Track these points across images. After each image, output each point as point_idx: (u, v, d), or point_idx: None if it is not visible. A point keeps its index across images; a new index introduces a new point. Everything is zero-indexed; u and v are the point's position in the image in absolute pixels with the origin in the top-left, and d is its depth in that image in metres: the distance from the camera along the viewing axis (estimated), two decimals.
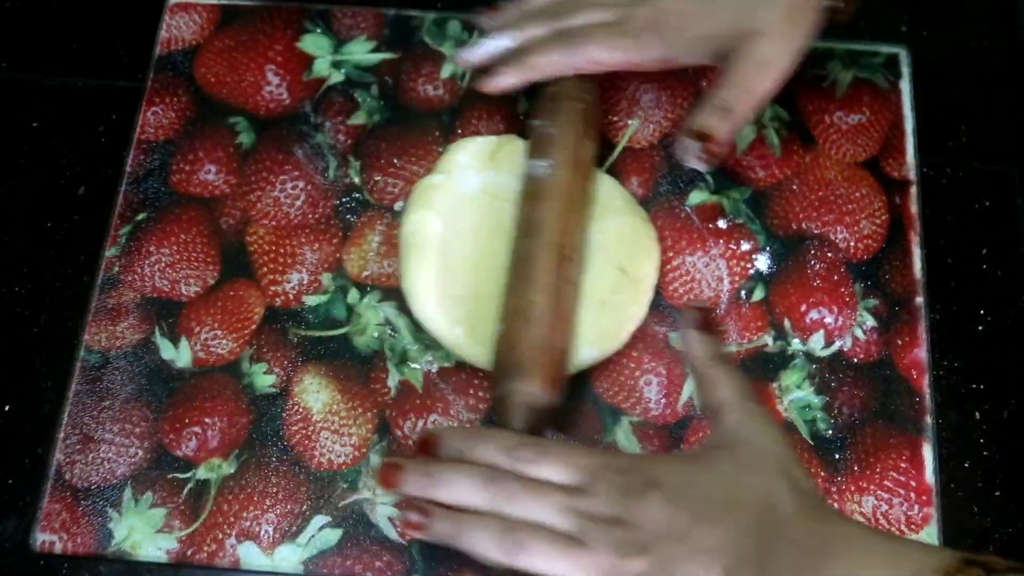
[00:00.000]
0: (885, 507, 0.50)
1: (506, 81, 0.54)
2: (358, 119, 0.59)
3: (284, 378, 0.53)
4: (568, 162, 0.52)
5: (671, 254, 0.55)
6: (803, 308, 0.54)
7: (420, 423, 0.52)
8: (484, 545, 0.42)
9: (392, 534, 0.50)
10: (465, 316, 0.52)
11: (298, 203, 0.57)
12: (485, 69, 0.56)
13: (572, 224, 0.51)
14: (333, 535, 0.50)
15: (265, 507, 0.50)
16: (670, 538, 0.40)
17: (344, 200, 0.57)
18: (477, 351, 0.51)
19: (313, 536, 0.50)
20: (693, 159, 0.50)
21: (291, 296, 0.55)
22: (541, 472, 0.43)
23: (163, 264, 0.55)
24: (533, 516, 0.42)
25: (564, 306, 0.50)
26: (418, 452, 0.46)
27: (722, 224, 0.56)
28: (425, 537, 0.44)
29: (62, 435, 0.52)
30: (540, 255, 0.50)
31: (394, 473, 0.45)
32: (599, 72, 0.54)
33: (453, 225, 0.53)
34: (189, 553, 0.49)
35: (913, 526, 0.50)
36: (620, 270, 0.53)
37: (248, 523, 0.50)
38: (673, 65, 0.53)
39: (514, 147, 0.56)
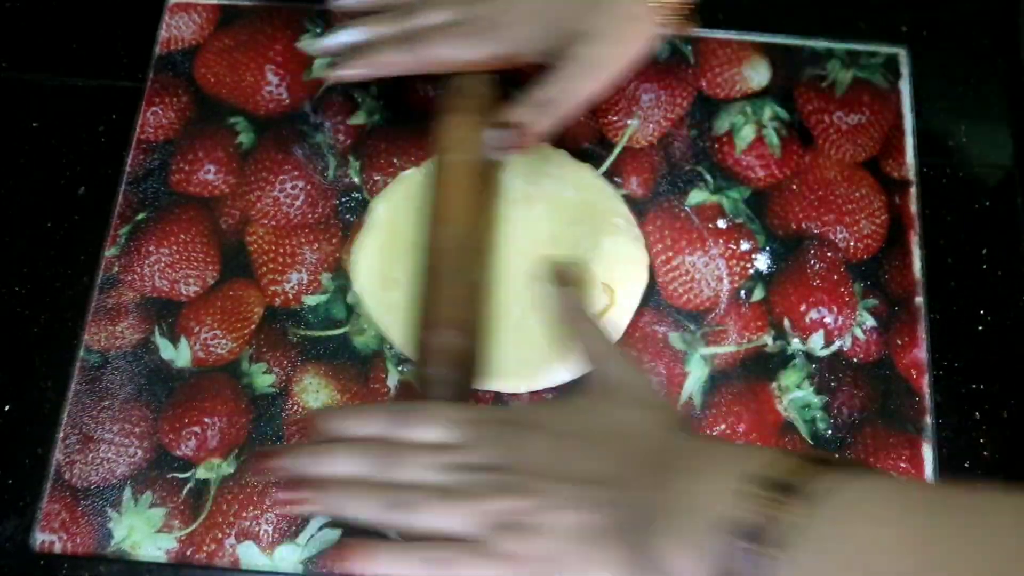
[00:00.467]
0: None
1: (349, 73, 0.55)
2: (358, 119, 0.59)
3: (284, 378, 0.53)
4: (457, 155, 0.53)
5: (671, 254, 0.55)
6: (803, 308, 0.54)
7: None
8: (369, 510, 0.42)
9: (392, 534, 0.50)
10: (398, 301, 0.52)
11: (298, 203, 0.57)
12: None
13: (467, 205, 0.52)
14: (333, 535, 0.50)
15: (265, 507, 0.50)
16: (551, 475, 0.40)
17: (344, 200, 0.57)
18: (402, 335, 0.52)
19: (313, 536, 0.50)
20: (498, 149, 0.51)
21: (291, 296, 0.55)
22: (416, 434, 0.43)
23: (163, 264, 0.55)
24: (415, 477, 0.42)
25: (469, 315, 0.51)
26: (297, 438, 0.46)
27: (722, 224, 0.56)
28: (311, 511, 0.43)
29: (62, 435, 0.52)
30: (439, 235, 0.51)
31: (270, 458, 0.44)
32: (452, 70, 0.54)
33: (408, 213, 0.54)
34: (189, 553, 0.49)
35: None
36: (605, 288, 0.53)
37: (247, 523, 0.50)
38: (509, 63, 0.54)
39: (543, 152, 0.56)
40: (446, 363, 0.48)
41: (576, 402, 0.45)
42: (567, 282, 0.49)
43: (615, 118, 0.58)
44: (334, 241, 0.56)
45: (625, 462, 0.40)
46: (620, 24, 0.51)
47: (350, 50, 0.55)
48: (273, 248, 0.56)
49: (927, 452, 0.51)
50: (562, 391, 0.52)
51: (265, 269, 0.55)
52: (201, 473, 0.51)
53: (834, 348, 0.53)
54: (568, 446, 0.41)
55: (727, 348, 0.53)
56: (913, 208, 0.56)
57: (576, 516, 0.39)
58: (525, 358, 0.52)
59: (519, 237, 0.54)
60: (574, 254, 0.53)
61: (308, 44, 0.60)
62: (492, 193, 0.54)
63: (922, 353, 0.53)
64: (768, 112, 0.58)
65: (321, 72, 0.59)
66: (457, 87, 0.54)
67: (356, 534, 0.49)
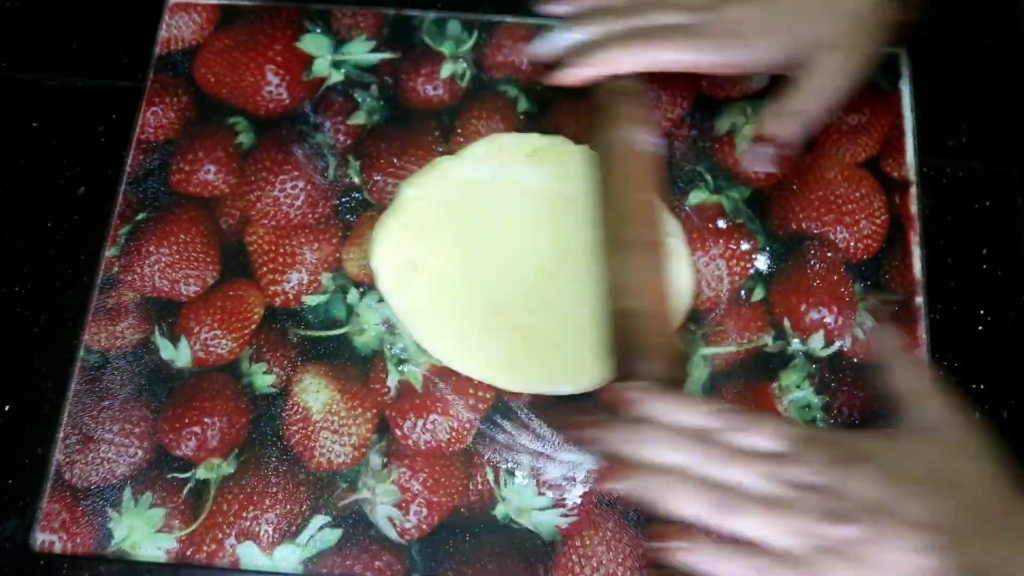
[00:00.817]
0: None
1: (582, 73, 0.54)
2: (358, 119, 0.59)
3: (284, 378, 0.53)
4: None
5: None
6: (803, 308, 0.54)
7: (420, 423, 0.52)
8: (691, 505, 0.41)
9: (392, 534, 0.50)
10: (411, 281, 0.53)
11: (298, 203, 0.57)
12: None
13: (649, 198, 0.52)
14: (332, 535, 0.50)
15: (264, 507, 0.50)
16: (878, 510, 0.40)
17: (344, 200, 0.57)
18: (414, 317, 0.53)
19: (313, 536, 0.50)
20: (766, 164, 0.54)
21: (291, 296, 0.55)
22: (746, 439, 0.42)
23: (163, 264, 0.55)
24: (738, 480, 0.41)
25: (663, 279, 0.51)
26: (610, 407, 0.45)
27: (722, 224, 0.56)
28: (630, 492, 0.42)
29: (62, 435, 0.52)
30: (632, 230, 0.51)
31: (597, 428, 0.44)
32: (657, 71, 0.54)
33: (437, 199, 0.55)
34: (189, 553, 0.49)
35: None
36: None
37: (248, 523, 0.50)
38: (743, 71, 0.54)
39: (563, 149, 0.56)
40: (661, 359, 0.47)
41: (904, 440, 0.44)
42: (882, 318, 0.50)
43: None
44: (334, 241, 0.56)
45: (959, 513, 0.40)
46: (855, 31, 0.51)
47: (575, 50, 0.54)
48: (273, 248, 0.56)
49: None
50: (569, 400, 0.52)
51: (265, 269, 0.55)
52: (201, 473, 0.51)
53: (834, 348, 0.53)
54: (899, 485, 0.40)
55: (727, 348, 0.53)
56: (913, 208, 0.56)
57: (906, 557, 0.39)
58: (572, 359, 0.52)
59: (569, 239, 0.54)
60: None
61: (536, 47, 0.56)
62: (660, 184, 0.54)
63: (922, 353, 0.53)
64: None
65: (549, 77, 0.55)
66: (616, 89, 0.54)
67: (356, 534, 0.49)
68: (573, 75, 0.54)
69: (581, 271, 0.53)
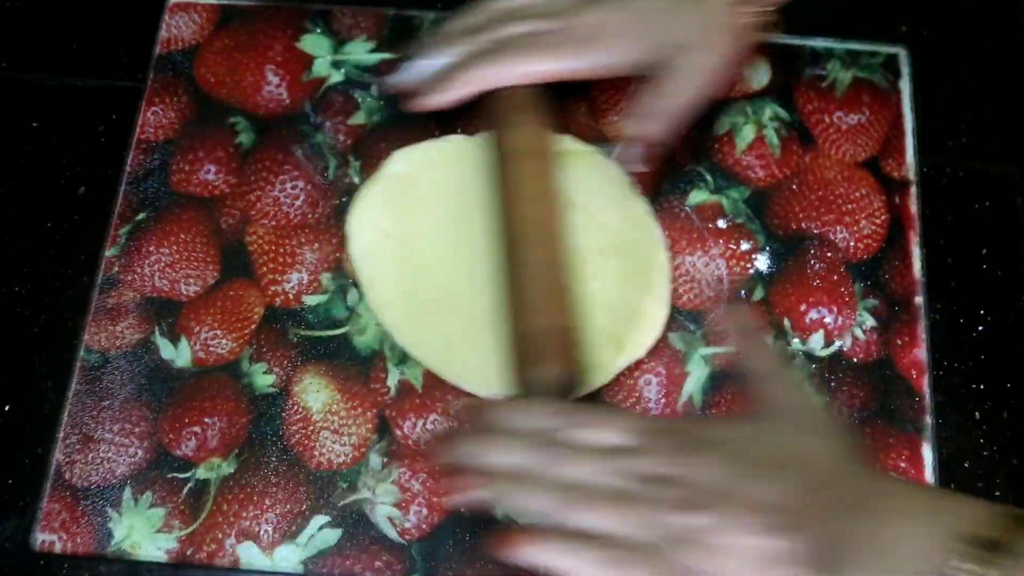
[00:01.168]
0: None
1: (440, 98, 0.54)
2: (358, 119, 0.59)
3: (284, 378, 0.53)
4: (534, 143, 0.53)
5: (671, 254, 0.55)
6: (803, 308, 0.54)
7: (420, 423, 0.52)
8: (537, 503, 0.41)
9: (392, 533, 0.50)
10: (385, 255, 0.54)
11: (298, 203, 0.57)
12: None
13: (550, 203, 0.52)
14: (333, 535, 0.50)
15: (265, 507, 0.50)
16: (727, 495, 0.40)
17: (344, 200, 0.57)
18: (381, 288, 0.54)
19: (312, 536, 0.50)
20: (634, 164, 0.53)
21: (291, 296, 0.55)
22: (591, 435, 0.43)
23: (163, 264, 0.55)
24: (585, 477, 0.41)
25: (562, 282, 0.50)
26: (460, 422, 0.46)
27: (722, 224, 0.56)
28: (478, 497, 0.43)
29: (62, 435, 0.52)
30: (529, 240, 0.51)
31: (443, 442, 0.44)
32: (534, 83, 0.54)
33: (426, 174, 0.56)
34: (189, 553, 0.49)
35: None
36: (612, 338, 0.52)
37: (248, 523, 0.50)
38: (607, 75, 0.54)
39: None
40: (554, 363, 0.47)
41: (749, 424, 0.44)
42: (735, 301, 0.50)
43: (615, 118, 0.58)
44: (334, 241, 0.56)
45: (807, 492, 0.39)
46: (712, 33, 0.52)
47: (436, 76, 0.54)
48: (273, 248, 0.56)
49: (927, 452, 0.51)
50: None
51: (265, 269, 0.55)
52: (201, 473, 0.51)
53: (834, 348, 0.53)
54: (746, 469, 0.40)
55: (727, 348, 0.53)
56: (913, 208, 0.56)
57: (756, 540, 0.39)
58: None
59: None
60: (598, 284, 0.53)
61: (393, 80, 0.57)
62: (556, 177, 0.54)
63: (922, 353, 0.53)
64: (768, 112, 0.58)
65: (402, 104, 0.56)
66: (507, 98, 0.54)
67: (356, 534, 0.49)
68: (437, 100, 0.54)
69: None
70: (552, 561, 0.40)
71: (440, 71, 0.55)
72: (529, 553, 0.41)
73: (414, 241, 0.54)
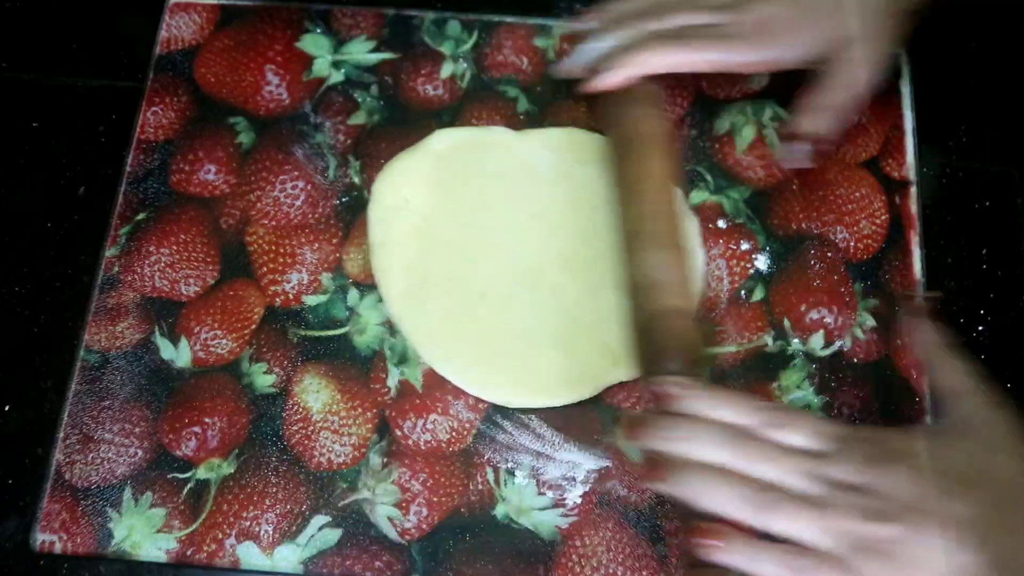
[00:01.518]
0: None
1: (615, 77, 0.54)
2: (358, 119, 0.59)
3: (284, 378, 0.53)
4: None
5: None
6: (803, 308, 0.54)
7: (420, 423, 0.52)
8: (731, 502, 0.41)
9: (392, 533, 0.50)
10: (401, 223, 0.55)
11: (298, 203, 0.57)
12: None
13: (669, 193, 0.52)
14: (333, 535, 0.50)
15: (265, 507, 0.50)
16: (918, 508, 0.40)
17: (344, 200, 0.57)
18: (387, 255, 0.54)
19: (313, 536, 0.50)
20: (802, 160, 0.54)
21: (291, 296, 0.55)
22: (786, 436, 0.43)
23: (163, 264, 0.55)
24: (777, 478, 0.41)
25: (687, 275, 0.50)
26: (653, 404, 0.45)
27: (722, 224, 0.56)
28: (669, 488, 0.42)
29: (62, 435, 0.52)
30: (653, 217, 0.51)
31: (639, 425, 0.44)
32: (685, 72, 0.54)
33: (465, 156, 0.56)
34: (189, 553, 0.49)
35: None
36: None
37: (248, 523, 0.50)
38: (773, 69, 0.54)
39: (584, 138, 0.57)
40: (681, 355, 0.47)
41: (944, 436, 0.44)
42: (922, 314, 0.50)
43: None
44: (334, 241, 0.56)
45: (995, 509, 0.40)
46: (875, 24, 0.52)
47: (606, 57, 0.54)
48: (273, 248, 0.56)
49: None
50: (564, 410, 0.52)
51: (265, 269, 0.55)
52: (201, 473, 0.51)
53: (834, 348, 0.53)
54: (936, 482, 0.41)
55: (727, 348, 0.53)
56: (913, 208, 0.56)
57: (945, 554, 0.39)
58: (577, 367, 0.52)
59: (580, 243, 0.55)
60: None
61: (567, 63, 0.57)
62: (677, 170, 0.54)
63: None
64: (768, 112, 0.58)
65: (580, 86, 0.55)
66: (640, 88, 0.54)
67: (356, 534, 0.49)
68: (607, 80, 0.54)
69: (576, 271, 0.54)
70: (743, 565, 0.40)
71: (606, 53, 0.54)
72: (721, 554, 0.41)
73: (431, 216, 0.55)
